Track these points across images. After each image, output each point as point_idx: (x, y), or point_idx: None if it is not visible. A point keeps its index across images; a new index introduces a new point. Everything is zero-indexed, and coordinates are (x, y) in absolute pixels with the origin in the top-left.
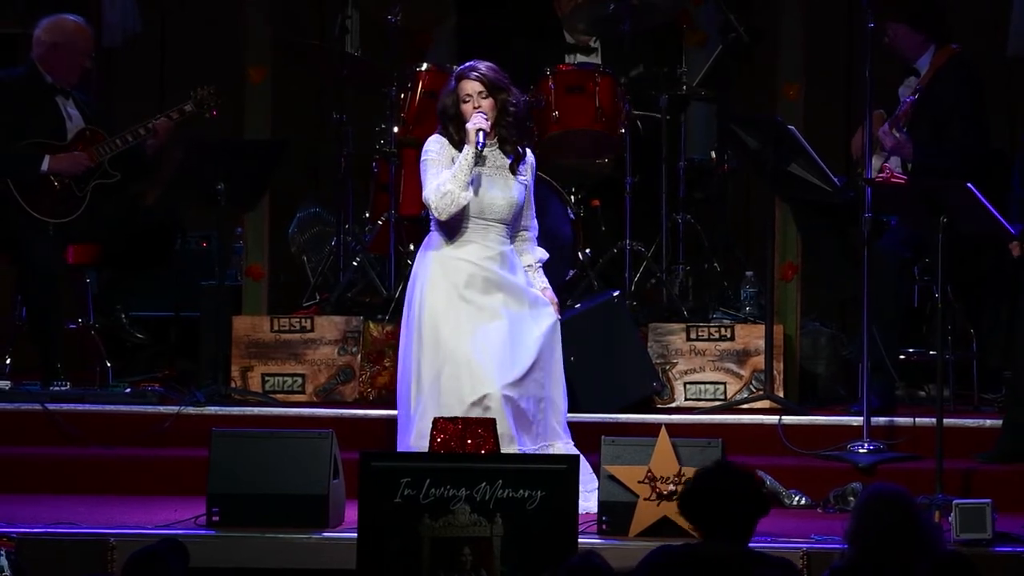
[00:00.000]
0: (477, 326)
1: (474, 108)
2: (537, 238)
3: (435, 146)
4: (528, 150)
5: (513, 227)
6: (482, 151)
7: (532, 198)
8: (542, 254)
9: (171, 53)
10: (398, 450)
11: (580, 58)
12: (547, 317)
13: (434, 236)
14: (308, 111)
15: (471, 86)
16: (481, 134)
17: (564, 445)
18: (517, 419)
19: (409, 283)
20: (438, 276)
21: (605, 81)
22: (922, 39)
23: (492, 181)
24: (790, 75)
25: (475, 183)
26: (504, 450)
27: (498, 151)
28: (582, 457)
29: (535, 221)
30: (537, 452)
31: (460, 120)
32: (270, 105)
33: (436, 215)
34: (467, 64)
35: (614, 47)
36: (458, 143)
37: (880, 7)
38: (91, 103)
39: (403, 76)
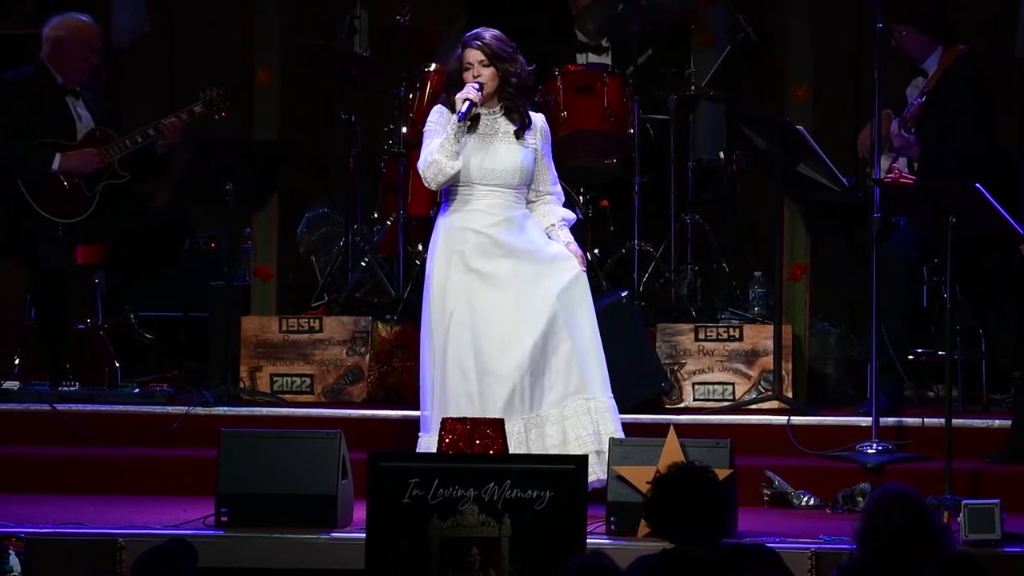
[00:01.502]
0: (482, 299)
1: (473, 77)
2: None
3: (434, 116)
4: (539, 115)
5: (524, 191)
6: (463, 121)
7: (550, 162)
8: (567, 213)
9: (179, 53)
10: (422, 426)
11: (592, 58)
12: (568, 271)
13: (443, 206)
14: (316, 111)
15: (473, 55)
16: (466, 104)
17: (608, 401)
18: (533, 386)
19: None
20: (444, 247)
21: (614, 81)
22: (928, 40)
23: (495, 147)
24: (799, 75)
25: (477, 149)
26: (516, 418)
27: (503, 118)
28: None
29: (558, 186)
30: (574, 405)
31: (461, 87)
32: (278, 105)
33: (426, 184)
34: (473, 31)
35: (625, 47)
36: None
37: (887, 8)
38: (100, 103)
39: (412, 76)
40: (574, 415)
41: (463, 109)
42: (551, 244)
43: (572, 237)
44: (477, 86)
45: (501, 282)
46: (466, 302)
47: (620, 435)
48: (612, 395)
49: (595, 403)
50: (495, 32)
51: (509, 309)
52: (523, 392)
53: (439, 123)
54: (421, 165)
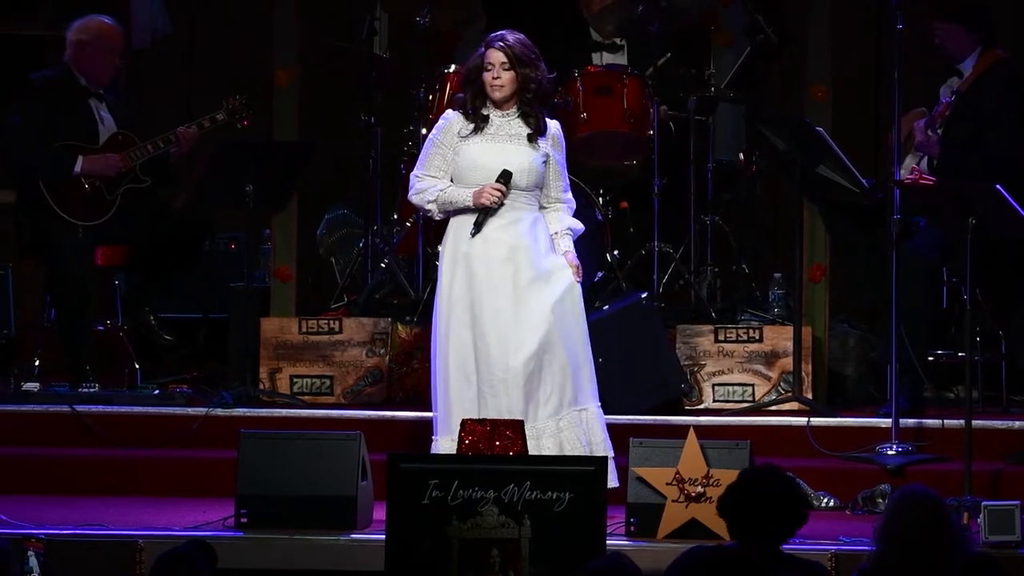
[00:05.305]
0: (482, 303)
1: (493, 79)
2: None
3: (442, 123)
4: (554, 122)
5: (535, 194)
6: (479, 231)
7: (563, 169)
8: (573, 223)
9: (199, 55)
10: (434, 428)
11: (607, 57)
12: (562, 281)
13: None
14: (336, 113)
15: (495, 55)
16: (484, 213)
17: (597, 409)
18: (528, 399)
19: None
20: (451, 247)
21: (633, 82)
22: (974, 39)
23: (506, 148)
24: (818, 76)
25: (488, 151)
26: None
27: (518, 120)
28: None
29: (570, 193)
30: (569, 416)
31: (479, 87)
32: (298, 107)
33: (409, 197)
34: (498, 33)
35: (642, 47)
36: (470, 112)
37: (932, 5)
38: (122, 106)
39: (431, 78)
40: (569, 427)
41: (479, 219)
42: (552, 253)
43: (572, 246)
44: (497, 198)
45: (501, 286)
46: (467, 304)
47: (607, 442)
48: (599, 402)
49: (586, 413)
50: (520, 36)
51: (506, 317)
52: (515, 405)
53: (446, 136)
54: (412, 194)
